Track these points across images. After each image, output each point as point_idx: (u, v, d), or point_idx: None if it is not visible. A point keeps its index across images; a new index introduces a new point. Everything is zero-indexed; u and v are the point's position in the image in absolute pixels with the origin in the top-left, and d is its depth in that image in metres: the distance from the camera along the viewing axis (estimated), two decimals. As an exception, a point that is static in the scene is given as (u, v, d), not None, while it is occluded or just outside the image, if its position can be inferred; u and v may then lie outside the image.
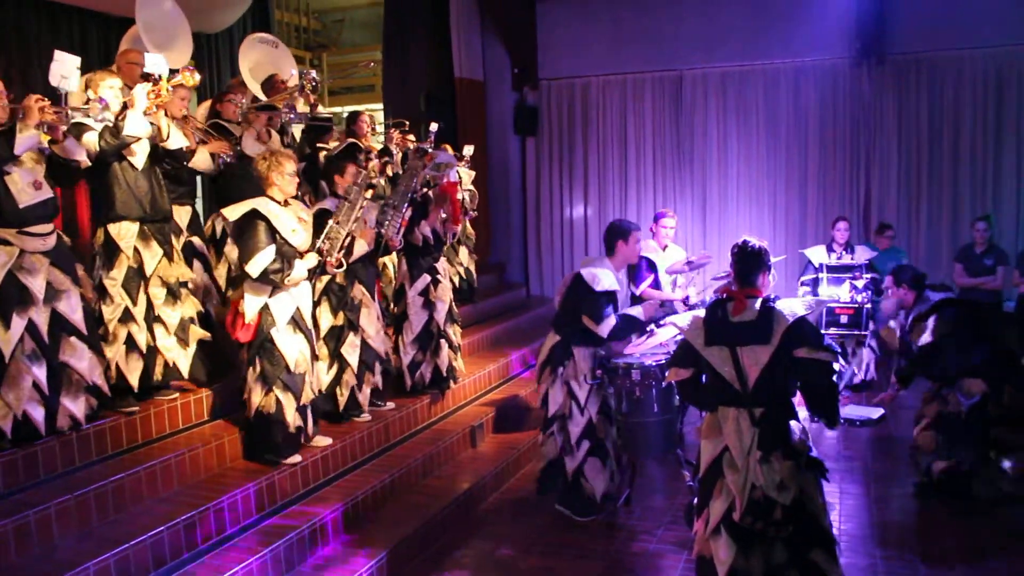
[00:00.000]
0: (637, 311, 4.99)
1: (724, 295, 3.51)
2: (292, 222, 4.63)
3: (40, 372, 3.91)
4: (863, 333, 7.45)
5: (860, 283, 7.47)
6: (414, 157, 5.88)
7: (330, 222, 4.84)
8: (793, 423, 3.34)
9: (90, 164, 4.34)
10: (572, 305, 4.87)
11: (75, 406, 4.09)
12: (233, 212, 4.58)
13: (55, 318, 4.02)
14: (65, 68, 4.04)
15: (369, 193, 4.93)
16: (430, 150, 6.20)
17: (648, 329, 4.90)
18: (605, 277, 4.76)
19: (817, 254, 7.85)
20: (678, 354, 3.63)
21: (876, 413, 6.96)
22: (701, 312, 3.57)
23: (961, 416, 5.02)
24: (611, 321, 4.74)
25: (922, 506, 5.10)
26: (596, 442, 4.88)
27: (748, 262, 3.49)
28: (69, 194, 5.60)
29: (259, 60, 6.74)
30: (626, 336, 4.96)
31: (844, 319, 7.43)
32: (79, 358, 4.10)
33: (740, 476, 3.25)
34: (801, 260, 8.24)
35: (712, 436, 3.40)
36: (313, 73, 5.65)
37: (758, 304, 3.38)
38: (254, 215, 4.51)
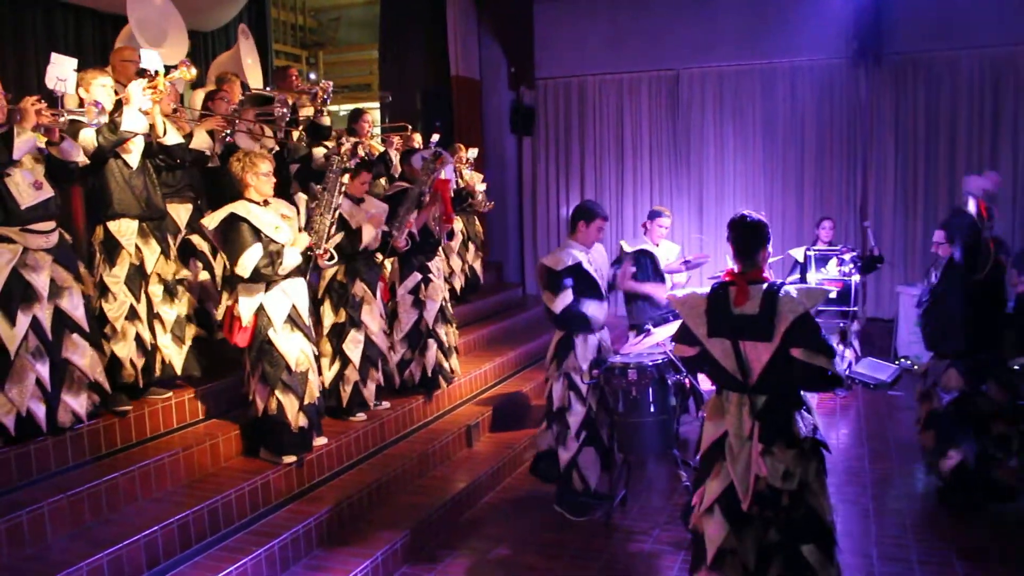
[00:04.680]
0: (657, 291, 5.20)
1: (726, 279, 3.35)
2: (275, 219, 4.60)
3: (43, 369, 3.93)
4: (852, 309, 7.46)
5: (847, 256, 7.53)
6: (428, 162, 5.88)
7: (313, 215, 4.79)
8: (799, 414, 3.26)
9: (88, 163, 4.33)
10: None
11: (77, 402, 4.10)
12: (212, 220, 4.55)
13: (58, 315, 4.04)
14: (61, 70, 4.06)
15: (346, 178, 4.90)
16: (442, 153, 6.19)
17: (646, 328, 4.89)
18: (565, 256, 4.82)
19: (802, 253, 7.90)
20: (681, 333, 3.54)
21: (890, 375, 6.72)
22: (700, 290, 3.45)
23: (942, 411, 5.01)
24: (567, 296, 4.76)
25: (918, 507, 5.10)
26: (593, 433, 4.90)
27: (749, 236, 3.30)
28: (66, 193, 5.57)
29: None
30: (582, 327, 4.85)
31: (833, 294, 7.40)
32: (81, 355, 4.11)
33: (739, 465, 3.21)
34: (787, 261, 8.24)
35: (715, 418, 3.36)
36: (331, 87, 5.56)
37: (761, 293, 3.23)
38: (234, 218, 4.48)
